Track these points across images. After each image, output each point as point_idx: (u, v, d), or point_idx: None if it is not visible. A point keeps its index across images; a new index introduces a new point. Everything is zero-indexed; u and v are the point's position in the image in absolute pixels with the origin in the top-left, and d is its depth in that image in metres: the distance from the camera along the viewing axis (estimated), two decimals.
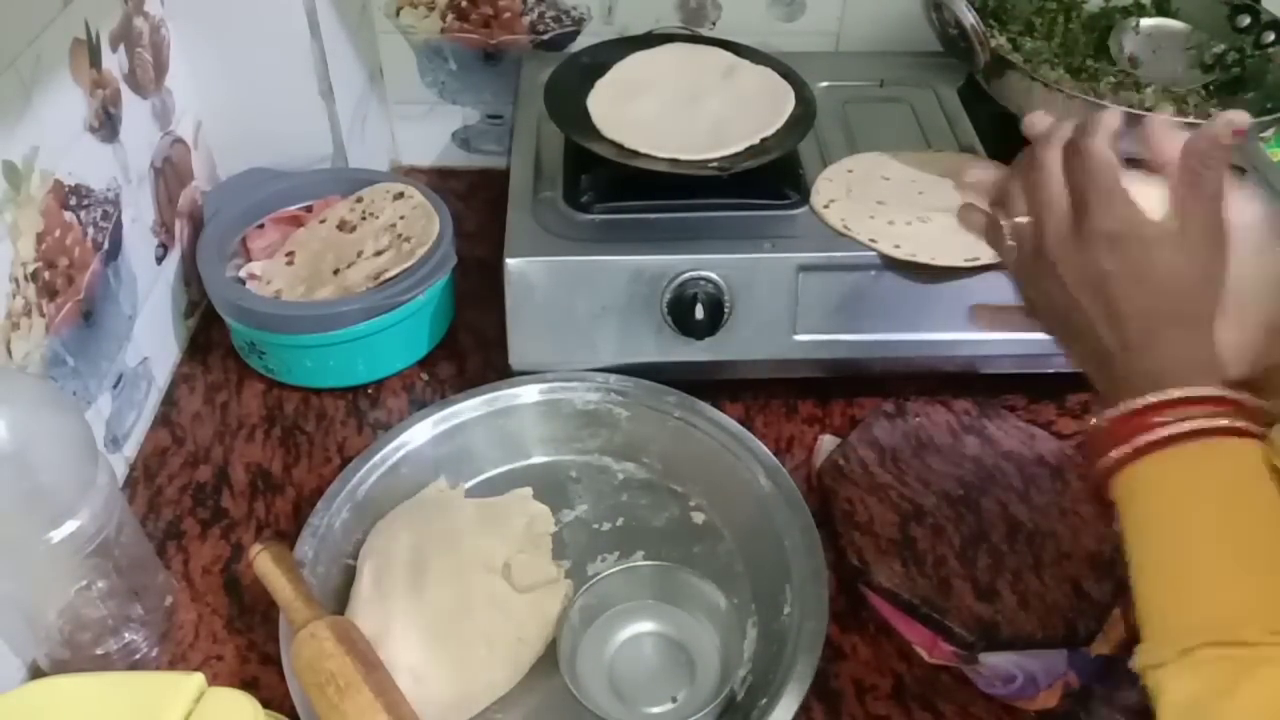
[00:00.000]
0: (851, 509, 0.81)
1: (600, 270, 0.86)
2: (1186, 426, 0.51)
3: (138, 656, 0.75)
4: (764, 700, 0.68)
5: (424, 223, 0.96)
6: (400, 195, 1.00)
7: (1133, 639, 0.53)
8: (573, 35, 1.13)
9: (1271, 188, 0.93)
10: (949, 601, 0.75)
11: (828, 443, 0.88)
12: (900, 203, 0.89)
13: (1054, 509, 0.81)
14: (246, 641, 0.77)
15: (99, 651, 0.74)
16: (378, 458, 0.82)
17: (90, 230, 0.82)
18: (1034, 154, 0.61)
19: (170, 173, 0.97)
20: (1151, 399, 0.53)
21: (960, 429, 0.88)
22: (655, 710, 0.72)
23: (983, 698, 0.73)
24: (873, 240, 0.86)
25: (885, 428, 0.88)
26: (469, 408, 0.86)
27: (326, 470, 0.89)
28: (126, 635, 0.75)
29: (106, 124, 0.85)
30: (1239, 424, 0.52)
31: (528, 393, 0.87)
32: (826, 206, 0.89)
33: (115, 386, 0.87)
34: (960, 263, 0.85)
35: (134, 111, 0.89)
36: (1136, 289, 0.56)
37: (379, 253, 0.95)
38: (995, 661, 0.73)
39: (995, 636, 0.73)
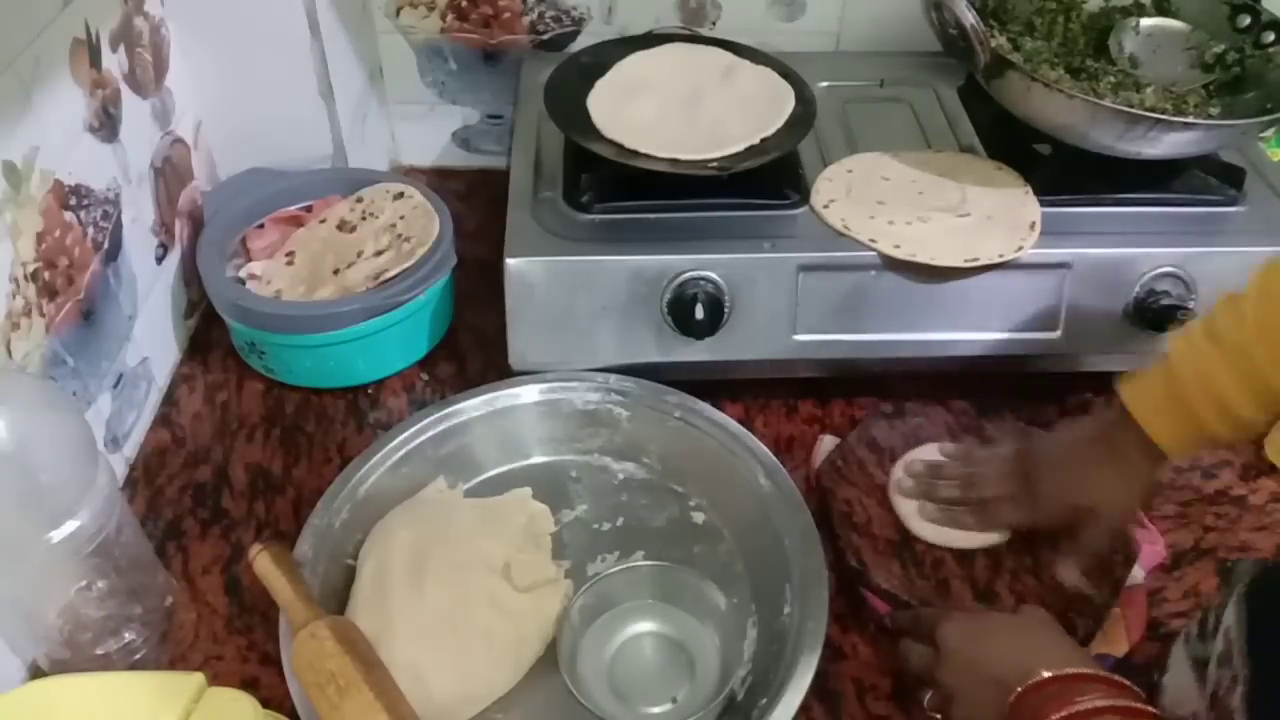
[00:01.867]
0: (850, 510, 0.81)
1: (600, 270, 0.86)
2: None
3: (138, 656, 0.75)
4: (764, 700, 0.68)
5: (424, 223, 0.96)
6: (400, 195, 1.00)
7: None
8: (573, 35, 1.13)
9: (1272, 188, 0.93)
10: (947, 602, 0.75)
11: (827, 443, 0.88)
12: (900, 203, 0.89)
13: None
14: (246, 641, 0.77)
15: (99, 651, 0.74)
16: (378, 458, 0.82)
17: (90, 230, 0.82)
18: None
19: (170, 173, 0.97)
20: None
21: (959, 429, 0.88)
22: (655, 710, 0.72)
23: None
24: (873, 240, 0.86)
25: (883, 429, 0.87)
26: (469, 408, 0.86)
27: (326, 470, 0.89)
28: (126, 635, 0.75)
29: (106, 124, 0.85)
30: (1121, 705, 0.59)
31: (528, 393, 0.87)
32: (826, 206, 0.89)
33: (115, 386, 0.87)
34: (960, 263, 0.85)
35: (134, 111, 0.89)
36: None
37: (379, 253, 0.95)
38: None
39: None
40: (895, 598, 0.76)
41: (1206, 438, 0.69)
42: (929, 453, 0.84)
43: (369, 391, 0.96)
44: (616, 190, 0.90)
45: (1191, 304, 0.86)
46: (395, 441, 0.83)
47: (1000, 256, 0.85)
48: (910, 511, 0.80)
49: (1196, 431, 0.69)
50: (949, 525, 0.79)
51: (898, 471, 0.83)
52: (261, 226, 1.01)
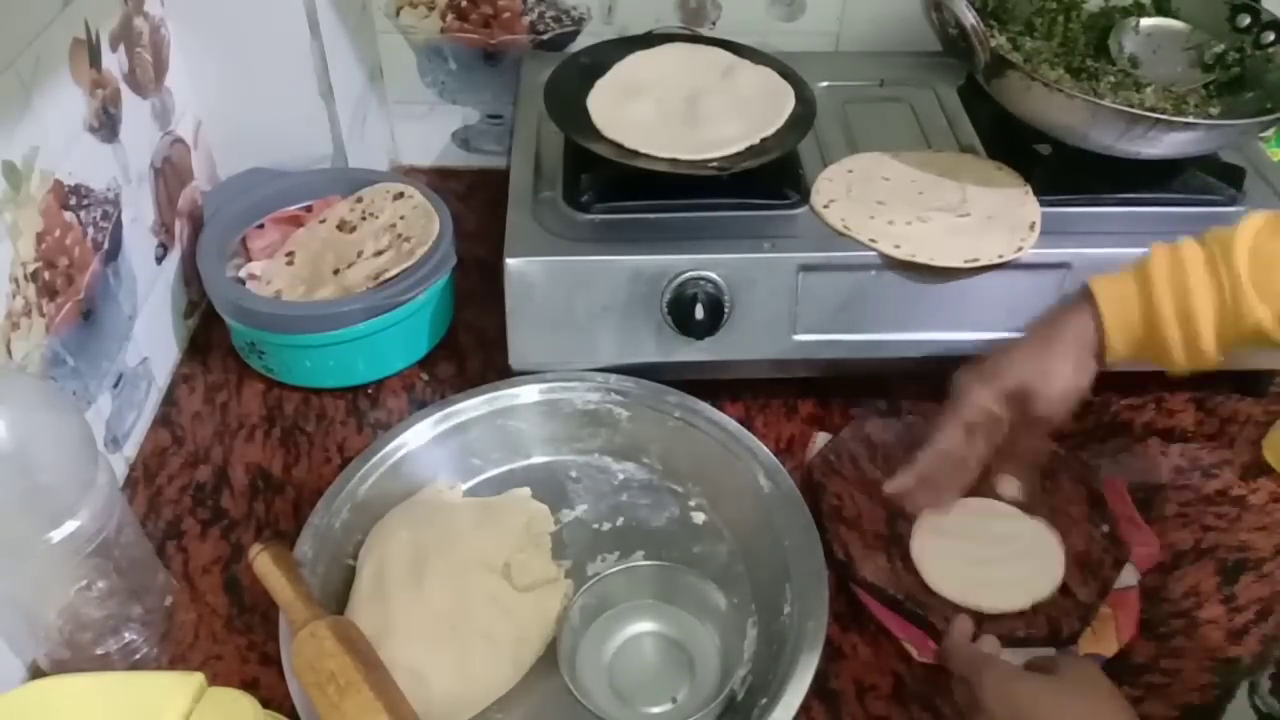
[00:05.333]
0: (840, 504, 0.81)
1: (600, 270, 0.86)
2: None
3: (138, 656, 0.75)
4: (764, 700, 0.68)
5: (424, 223, 0.96)
6: (400, 195, 1.00)
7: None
8: (573, 35, 1.13)
9: (1272, 188, 0.93)
10: (933, 598, 0.75)
11: (820, 439, 0.88)
12: (900, 203, 0.89)
13: (1043, 508, 0.81)
14: (246, 641, 0.77)
15: (99, 651, 0.74)
16: (378, 458, 0.82)
17: (90, 230, 0.82)
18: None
19: (170, 173, 0.97)
20: None
21: None
22: (655, 710, 0.72)
23: None
24: (873, 240, 0.86)
25: (878, 425, 0.88)
26: (469, 408, 0.86)
27: (326, 470, 0.89)
28: (126, 635, 0.75)
29: (106, 124, 0.85)
30: None
31: (528, 393, 0.87)
32: (826, 206, 0.89)
33: (115, 386, 0.87)
34: (960, 263, 0.85)
35: (134, 111, 0.89)
36: None
37: (379, 253, 0.95)
38: None
39: (978, 634, 0.73)
40: (880, 591, 0.76)
41: (1155, 352, 0.70)
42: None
43: (369, 391, 0.96)
44: (616, 190, 0.90)
45: None
46: (395, 441, 0.83)
47: (1000, 257, 0.85)
48: (936, 576, 0.78)
49: (1149, 342, 0.70)
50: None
51: (919, 535, 0.80)
52: (261, 226, 1.01)
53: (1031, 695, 0.62)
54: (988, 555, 0.78)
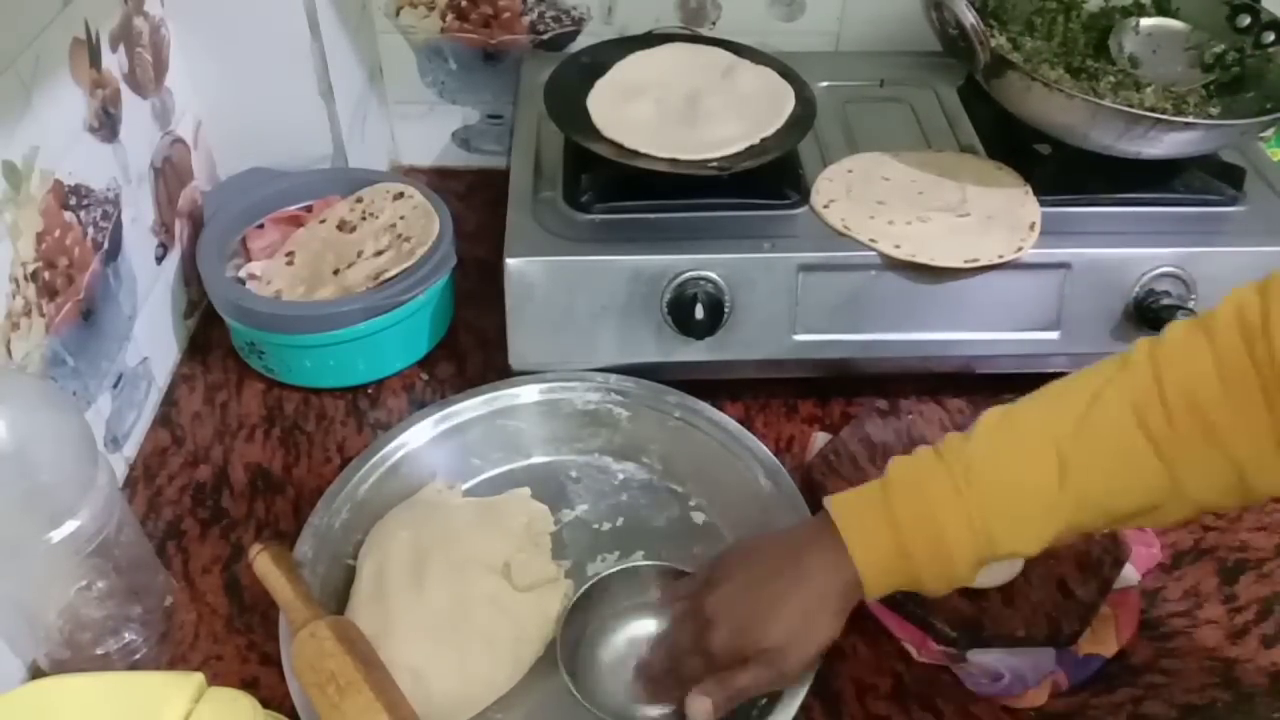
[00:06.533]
0: None
1: (600, 270, 0.86)
2: None
3: (138, 656, 0.75)
4: (764, 700, 0.68)
5: (424, 223, 0.96)
6: (400, 195, 1.00)
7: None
8: (573, 35, 1.13)
9: (1272, 188, 0.93)
10: (934, 598, 0.75)
11: (820, 439, 0.88)
12: (900, 203, 0.89)
13: None
14: (246, 641, 0.77)
15: (99, 651, 0.74)
16: (378, 458, 0.82)
17: (90, 230, 0.82)
18: None
19: (170, 173, 0.97)
20: None
21: (953, 427, 0.87)
22: (655, 710, 0.72)
23: (983, 698, 0.73)
24: (873, 240, 0.86)
25: (878, 424, 0.88)
26: (469, 408, 0.86)
27: (326, 470, 0.89)
28: (126, 635, 0.75)
29: (106, 124, 0.85)
30: None
31: (528, 393, 0.87)
32: (826, 206, 0.89)
33: (115, 386, 0.87)
34: (960, 263, 0.85)
35: (134, 111, 0.89)
36: None
37: (379, 253, 0.95)
38: (982, 659, 0.73)
39: (978, 634, 0.73)
40: None
41: (907, 581, 0.64)
42: None
43: (369, 391, 0.96)
44: (616, 190, 0.90)
45: (1191, 304, 0.86)
46: (395, 441, 0.83)
47: (1000, 257, 0.85)
48: None
49: (902, 575, 0.64)
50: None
51: None
52: (261, 226, 1.01)
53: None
54: None
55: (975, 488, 0.62)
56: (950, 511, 0.62)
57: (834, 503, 0.66)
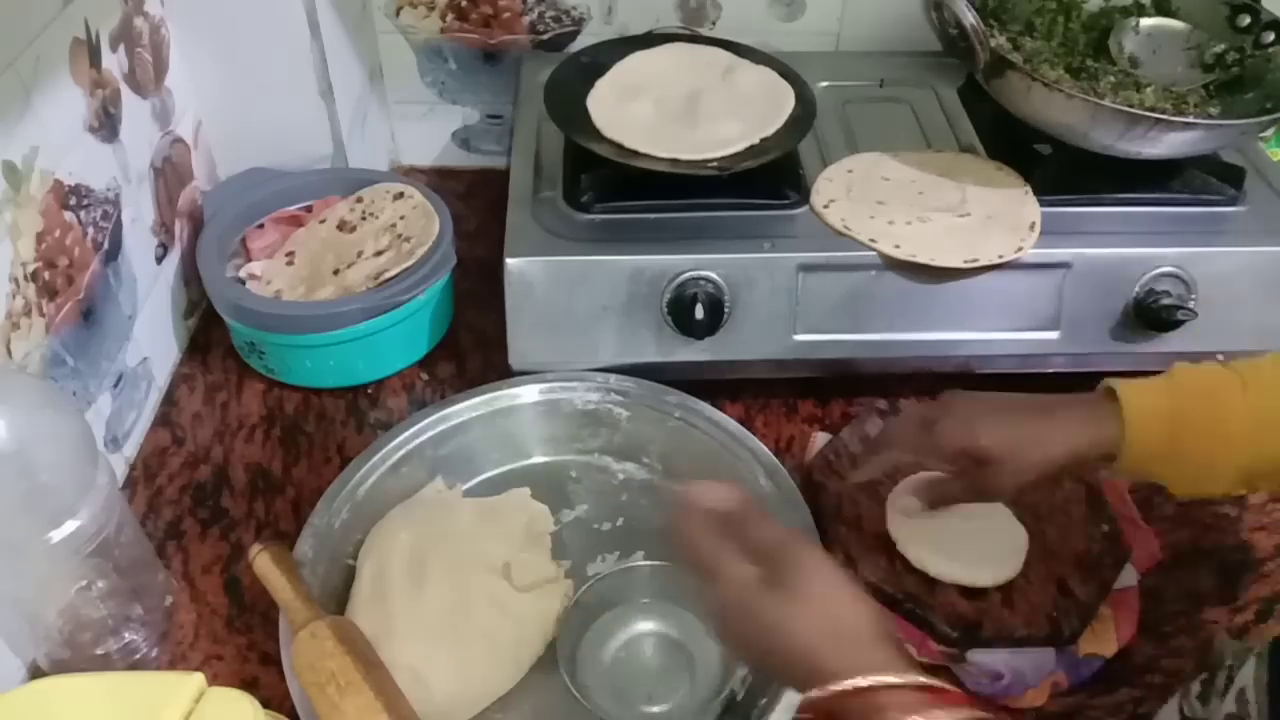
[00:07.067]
0: (840, 504, 0.81)
1: (600, 270, 0.86)
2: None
3: (138, 656, 0.75)
4: (764, 700, 0.68)
5: (424, 223, 0.96)
6: (400, 195, 1.00)
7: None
8: (573, 35, 1.13)
9: (1272, 188, 0.93)
10: (934, 598, 0.75)
11: (820, 439, 0.88)
12: (900, 203, 0.89)
13: (1042, 508, 0.81)
14: (246, 641, 0.77)
15: (99, 651, 0.74)
16: (378, 458, 0.82)
17: (90, 230, 0.82)
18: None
19: (170, 173, 0.97)
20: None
21: None
22: (655, 710, 0.72)
23: (984, 699, 0.73)
24: (873, 240, 0.86)
25: (877, 424, 0.88)
26: (469, 408, 0.86)
27: (326, 470, 0.89)
28: (126, 635, 0.75)
29: (106, 124, 0.85)
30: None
31: (528, 393, 0.87)
32: (826, 206, 0.89)
33: (115, 386, 0.87)
34: (960, 263, 0.85)
35: (134, 111, 0.89)
36: (771, 643, 0.56)
37: (379, 253, 0.95)
38: (983, 659, 0.73)
39: (978, 634, 0.73)
40: (881, 591, 0.76)
41: (1169, 469, 0.67)
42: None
43: (369, 391, 0.96)
44: (616, 190, 0.90)
45: (1191, 304, 0.86)
46: (395, 441, 0.83)
47: (1000, 257, 0.85)
48: (921, 555, 0.77)
49: (1167, 457, 0.66)
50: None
51: (895, 508, 0.80)
52: (261, 226, 1.01)
53: (769, 614, 0.56)
54: (957, 528, 0.77)
55: (1261, 389, 0.64)
56: (1234, 395, 0.65)
57: (1109, 380, 0.69)
